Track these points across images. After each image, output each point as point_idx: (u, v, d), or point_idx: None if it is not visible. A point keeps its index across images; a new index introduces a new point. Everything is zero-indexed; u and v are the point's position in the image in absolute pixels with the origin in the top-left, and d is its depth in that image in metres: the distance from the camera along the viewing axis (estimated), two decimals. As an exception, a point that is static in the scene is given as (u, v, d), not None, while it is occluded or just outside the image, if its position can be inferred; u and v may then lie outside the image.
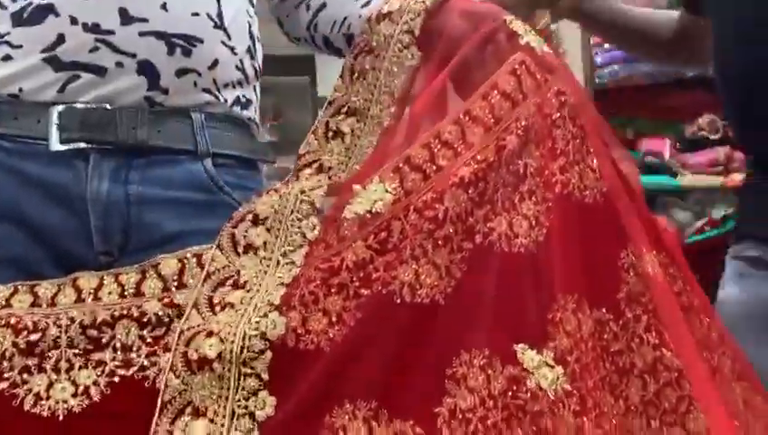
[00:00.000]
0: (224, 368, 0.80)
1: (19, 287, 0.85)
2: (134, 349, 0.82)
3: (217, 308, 0.83)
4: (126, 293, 0.85)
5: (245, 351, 0.80)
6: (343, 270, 0.83)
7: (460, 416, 0.80)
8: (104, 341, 0.83)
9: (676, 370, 0.91)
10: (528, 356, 0.84)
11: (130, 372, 0.81)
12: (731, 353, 1.00)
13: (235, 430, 0.78)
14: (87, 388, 0.81)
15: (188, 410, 0.79)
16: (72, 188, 0.97)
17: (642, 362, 0.91)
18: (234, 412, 0.79)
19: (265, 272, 0.86)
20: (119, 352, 0.82)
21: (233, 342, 0.80)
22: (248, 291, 0.84)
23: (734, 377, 0.99)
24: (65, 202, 0.97)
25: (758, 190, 1.33)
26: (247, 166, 1.09)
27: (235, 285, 0.85)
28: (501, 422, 0.80)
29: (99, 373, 0.82)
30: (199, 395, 0.79)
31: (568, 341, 0.86)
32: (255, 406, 0.79)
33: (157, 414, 0.79)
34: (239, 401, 0.79)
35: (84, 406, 0.81)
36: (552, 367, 0.84)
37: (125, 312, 0.83)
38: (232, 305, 0.83)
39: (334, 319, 0.82)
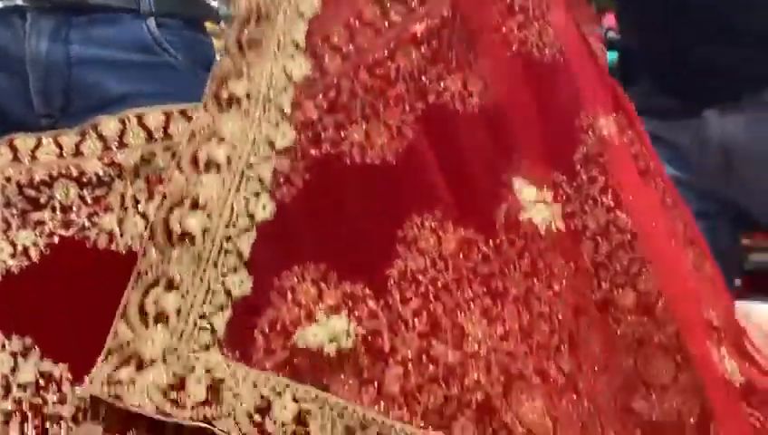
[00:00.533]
0: (205, 243, 0.77)
1: None
2: (74, 209, 0.79)
3: (201, 167, 0.80)
4: (65, 153, 0.81)
5: (231, 227, 0.78)
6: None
7: (410, 277, 0.79)
8: (42, 201, 0.79)
9: (630, 232, 0.90)
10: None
11: (70, 232, 0.79)
12: (684, 218, 0.99)
13: (209, 304, 0.76)
14: (26, 248, 0.79)
15: (162, 281, 0.77)
16: (10, 47, 0.93)
17: (595, 225, 0.89)
18: (209, 288, 0.77)
19: (249, 128, 0.81)
20: (58, 213, 0.79)
21: (220, 216, 0.78)
22: (234, 148, 0.80)
23: (686, 241, 0.98)
24: (4, 63, 0.93)
25: None
26: (193, 27, 1.04)
27: (220, 141, 0.81)
28: (451, 283, 0.79)
29: (38, 234, 0.79)
30: (176, 268, 0.77)
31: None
32: (233, 284, 0.77)
33: (130, 285, 0.77)
34: (216, 277, 0.77)
35: (23, 267, 0.78)
36: None
37: (63, 171, 0.80)
38: (217, 167, 0.80)
39: (281, 180, 0.79)
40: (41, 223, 0.79)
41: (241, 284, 0.77)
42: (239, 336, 0.76)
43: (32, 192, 0.79)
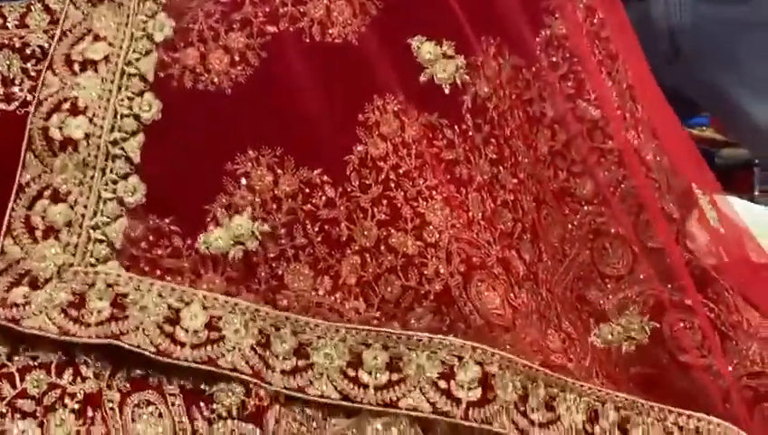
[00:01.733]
0: (89, 149, 0.72)
1: None
2: (16, 82, 0.74)
3: (77, 67, 0.74)
4: (8, 24, 0.74)
5: (116, 131, 0.73)
6: (247, 4, 0.74)
7: (371, 164, 0.75)
8: None
9: (590, 121, 0.87)
10: (425, 49, 0.78)
11: (12, 107, 0.73)
12: (649, 111, 0.96)
13: (102, 214, 0.72)
14: None
15: (47, 193, 0.72)
16: None
17: (553, 112, 0.86)
18: (100, 196, 0.72)
19: (127, 24, 0.76)
20: None
21: (103, 118, 0.73)
22: (110, 45, 0.75)
23: (649, 134, 0.96)
24: None
25: None
26: None
27: (96, 38, 0.75)
28: (414, 171, 0.75)
29: None
30: (60, 178, 0.72)
31: (488, 87, 0.80)
32: (125, 191, 0.72)
33: (12, 198, 0.72)
34: (106, 184, 0.72)
35: None
36: (452, 57, 0.79)
37: (6, 41, 0.74)
38: (94, 66, 0.74)
39: (237, 58, 0.74)
40: None
41: (134, 191, 0.72)
42: (139, 246, 0.72)
43: None
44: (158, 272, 0.71)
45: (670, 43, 1.37)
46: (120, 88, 0.74)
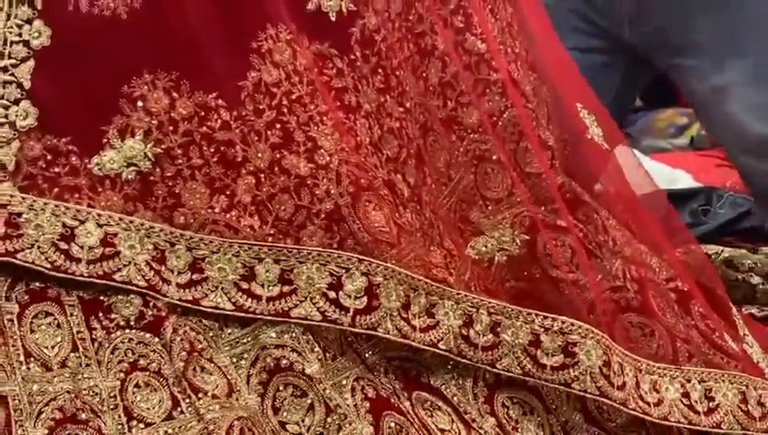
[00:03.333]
0: None
1: None
2: None
3: None
4: None
5: (6, 58, 0.73)
6: (140, -70, 0.75)
7: (264, 89, 0.78)
8: None
9: (477, 54, 0.91)
10: None
11: None
12: (527, 45, 1.01)
13: None
14: None
15: None
16: None
17: (444, 45, 0.90)
18: None
19: None
20: None
21: None
22: None
23: (527, 67, 1.01)
24: None
25: None
26: None
27: None
28: (305, 97, 0.79)
29: None
30: None
31: (376, 18, 0.83)
32: (17, 115, 0.73)
33: None
34: None
35: None
36: None
37: None
38: None
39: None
40: None
41: (26, 115, 0.74)
42: (37, 164, 0.73)
43: None
44: (57, 189, 0.73)
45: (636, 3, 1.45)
46: (8, 16, 0.74)
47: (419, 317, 0.79)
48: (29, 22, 0.74)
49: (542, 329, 0.82)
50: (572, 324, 0.83)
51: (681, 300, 0.97)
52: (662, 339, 0.92)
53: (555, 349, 0.82)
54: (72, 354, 0.71)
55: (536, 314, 0.83)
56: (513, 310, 0.83)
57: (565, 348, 0.82)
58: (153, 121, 0.75)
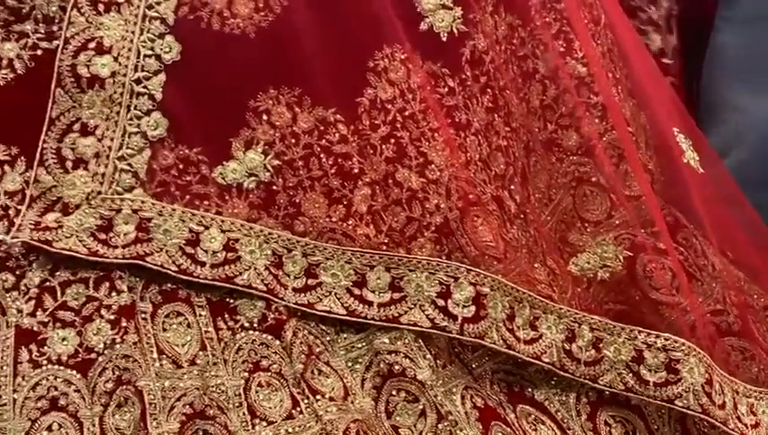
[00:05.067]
0: (115, 87, 0.83)
1: None
2: (56, 21, 0.83)
3: (101, 7, 0.84)
4: None
5: (139, 70, 0.83)
6: (270, -46, 0.86)
7: (380, 106, 0.87)
8: (24, 11, 0.83)
9: (578, 77, 0.99)
10: (425, 0, 0.90)
11: (53, 45, 0.83)
12: (626, 71, 1.09)
13: (127, 146, 0.83)
14: (11, 61, 0.83)
15: (76, 126, 0.82)
16: None
17: (545, 68, 0.98)
18: (125, 130, 0.83)
19: None
20: (41, 24, 0.83)
21: (128, 58, 0.83)
22: None
23: (627, 93, 1.08)
24: None
25: None
26: None
27: None
28: (418, 114, 0.87)
29: (22, 46, 0.83)
30: (88, 113, 0.83)
31: (485, 41, 0.92)
32: (148, 125, 0.83)
33: (44, 131, 0.82)
34: (131, 120, 0.83)
35: (9, 79, 0.83)
36: (450, 8, 0.90)
37: None
38: (117, 5, 0.84)
39: (261, 5, 0.85)
40: (24, 35, 0.83)
41: (156, 125, 0.83)
42: (170, 172, 0.83)
43: (13, 2, 0.82)
44: (188, 197, 0.83)
45: None
46: (142, 30, 0.84)
47: (523, 329, 0.86)
48: (161, 37, 0.84)
49: (645, 345, 0.89)
50: (675, 341, 0.89)
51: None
52: (762, 363, 0.98)
53: (658, 365, 0.88)
54: (201, 353, 0.80)
55: (639, 331, 0.90)
56: (614, 326, 0.90)
57: (668, 365, 0.88)
58: (276, 134, 0.84)
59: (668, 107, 1.16)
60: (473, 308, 0.84)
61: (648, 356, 0.89)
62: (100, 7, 0.83)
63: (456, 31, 0.90)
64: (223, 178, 0.83)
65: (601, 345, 0.89)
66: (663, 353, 0.89)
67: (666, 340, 0.89)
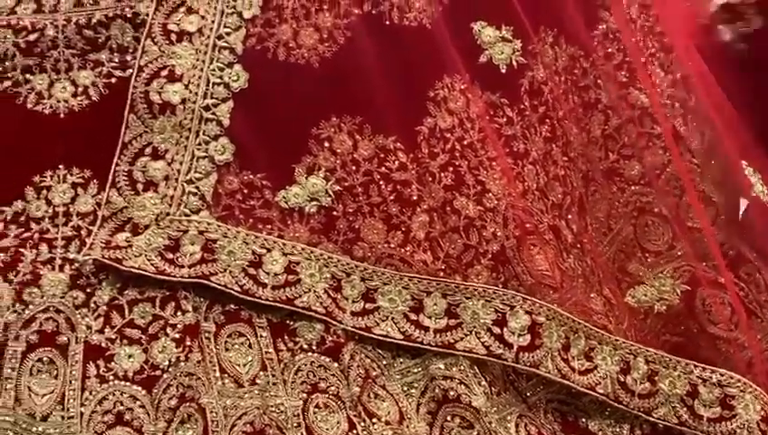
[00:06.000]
0: (185, 113, 0.88)
1: None
2: (129, 50, 0.90)
3: (174, 37, 0.90)
4: None
5: (208, 97, 0.89)
6: (336, -14, 0.92)
7: (439, 134, 0.92)
8: (100, 41, 0.90)
9: (640, 108, 1.03)
10: (485, 33, 0.95)
11: (127, 73, 0.89)
12: (697, 101, 1.11)
13: (195, 170, 0.88)
14: (86, 88, 0.90)
15: (148, 150, 0.88)
16: None
17: (607, 99, 1.02)
18: (194, 155, 0.88)
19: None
20: (115, 54, 0.90)
21: (198, 86, 0.89)
22: (203, 18, 0.91)
23: (696, 123, 1.11)
24: None
25: None
26: None
27: (189, 11, 0.91)
28: (477, 143, 0.92)
29: (97, 74, 0.90)
30: (159, 138, 0.88)
31: (544, 71, 0.96)
32: (215, 150, 0.89)
33: (117, 154, 0.88)
34: (199, 145, 0.89)
35: (84, 106, 0.89)
36: (510, 41, 0.95)
37: (119, 12, 0.90)
38: (189, 35, 0.90)
39: (325, 36, 0.90)
40: (99, 63, 0.90)
41: (224, 150, 0.89)
42: (235, 197, 0.88)
43: (90, 33, 0.89)
44: (251, 220, 0.88)
45: None
46: (212, 59, 0.90)
47: (578, 359, 0.90)
48: (230, 66, 0.90)
49: (701, 380, 0.92)
50: (731, 377, 0.92)
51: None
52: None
53: (713, 400, 0.91)
54: (261, 373, 0.85)
55: (694, 365, 0.93)
56: (670, 360, 0.93)
57: (723, 400, 0.91)
58: (337, 161, 0.89)
59: (737, 139, 1.19)
60: (528, 337, 0.88)
61: (703, 391, 0.92)
62: (173, 37, 0.90)
63: (515, 63, 0.95)
64: (285, 202, 0.89)
65: (656, 378, 0.92)
66: (718, 389, 0.92)
67: (721, 375, 0.92)
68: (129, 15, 0.90)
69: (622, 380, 0.91)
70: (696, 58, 1.15)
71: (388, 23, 0.92)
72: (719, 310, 0.99)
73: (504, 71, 0.95)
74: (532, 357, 0.87)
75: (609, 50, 1.04)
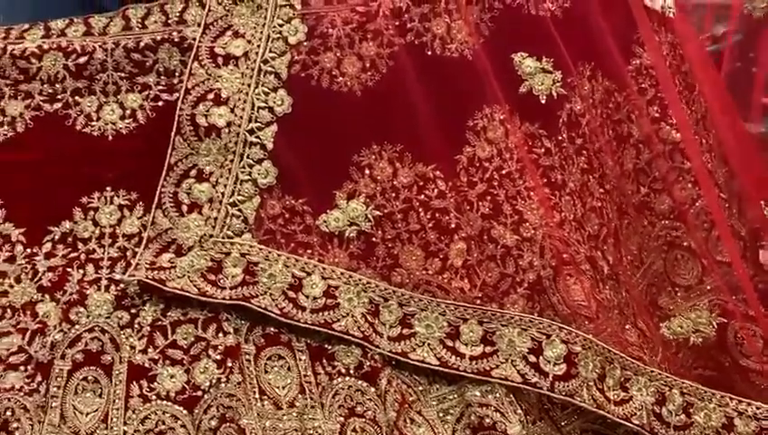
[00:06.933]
0: (230, 136, 0.92)
1: (74, 19, 0.94)
2: (176, 74, 0.93)
3: (220, 60, 0.94)
4: (170, 21, 0.95)
5: (253, 121, 0.92)
6: (380, 17, 0.95)
7: (478, 164, 0.95)
8: (148, 64, 0.93)
9: (672, 142, 1.06)
10: (526, 64, 0.99)
11: (174, 97, 0.93)
12: (718, 138, 1.15)
13: (239, 193, 0.91)
14: (134, 111, 0.93)
15: (193, 172, 0.92)
16: None
17: (639, 133, 1.06)
18: (237, 178, 0.92)
19: (264, 25, 0.95)
20: (162, 77, 0.94)
21: (243, 109, 0.92)
22: (249, 42, 0.94)
23: (719, 159, 1.15)
24: None
25: None
26: None
27: (236, 35, 0.95)
28: (515, 172, 0.95)
29: (144, 97, 0.93)
30: (205, 160, 0.92)
31: (582, 104, 1.00)
32: (259, 174, 0.92)
33: (163, 176, 0.91)
34: (243, 168, 0.92)
35: (131, 128, 0.93)
36: (550, 72, 0.99)
37: (167, 36, 0.94)
38: (236, 59, 0.94)
39: (368, 65, 0.94)
40: (147, 86, 0.93)
41: (267, 174, 0.92)
42: (277, 221, 0.91)
43: (138, 56, 0.93)
44: (292, 245, 0.91)
45: None
46: (257, 84, 0.93)
47: (614, 390, 0.92)
48: (274, 90, 0.93)
49: (736, 413, 0.94)
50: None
51: None
52: None
53: (749, 433, 0.93)
54: (300, 396, 0.87)
55: (730, 398, 0.95)
56: (705, 392, 0.95)
57: (759, 434, 0.93)
58: (377, 188, 0.93)
59: (755, 171, 1.21)
60: (564, 366, 0.90)
61: (739, 424, 0.93)
62: (219, 60, 0.93)
63: (554, 94, 0.99)
64: (326, 226, 0.91)
65: (692, 410, 0.93)
66: (754, 422, 0.93)
67: (757, 408, 0.94)
68: (176, 39, 0.94)
69: (658, 411, 0.93)
70: (716, 94, 1.18)
71: (429, 53, 0.96)
72: (751, 343, 1.01)
73: (543, 101, 0.98)
74: (568, 386, 0.89)
75: (643, 85, 1.07)
